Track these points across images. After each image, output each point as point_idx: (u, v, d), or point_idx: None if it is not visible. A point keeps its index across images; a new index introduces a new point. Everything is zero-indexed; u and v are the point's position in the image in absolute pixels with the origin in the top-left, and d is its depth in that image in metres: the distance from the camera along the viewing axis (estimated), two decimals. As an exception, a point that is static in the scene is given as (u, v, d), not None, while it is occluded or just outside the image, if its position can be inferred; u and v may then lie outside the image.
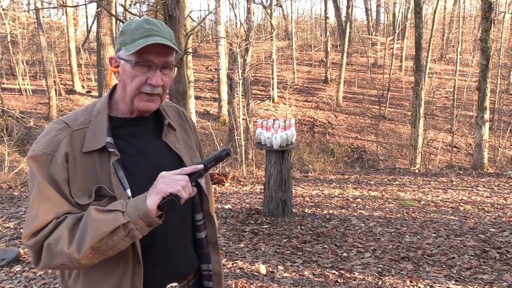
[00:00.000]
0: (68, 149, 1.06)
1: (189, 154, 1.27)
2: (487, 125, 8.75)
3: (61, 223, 1.01)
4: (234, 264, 3.54)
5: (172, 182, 1.00)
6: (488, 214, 4.95)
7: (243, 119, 12.85)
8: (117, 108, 1.18)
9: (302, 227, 4.49)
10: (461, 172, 8.01)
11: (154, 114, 1.25)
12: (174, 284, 1.17)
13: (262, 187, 5.69)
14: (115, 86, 1.20)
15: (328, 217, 4.92)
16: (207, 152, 12.50)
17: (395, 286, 3.10)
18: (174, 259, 1.17)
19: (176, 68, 1.19)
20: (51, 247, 0.98)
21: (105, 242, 0.97)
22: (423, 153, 11.71)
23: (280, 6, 27.38)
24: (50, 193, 1.04)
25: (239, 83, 10.76)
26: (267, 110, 19.76)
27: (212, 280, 1.31)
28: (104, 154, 1.09)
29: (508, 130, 13.25)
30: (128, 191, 1.07)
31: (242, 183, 7.17)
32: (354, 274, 3.30)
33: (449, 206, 5.38)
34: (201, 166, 1.08)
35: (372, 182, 7.12)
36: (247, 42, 12.88)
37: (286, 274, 3.34)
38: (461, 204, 5.45)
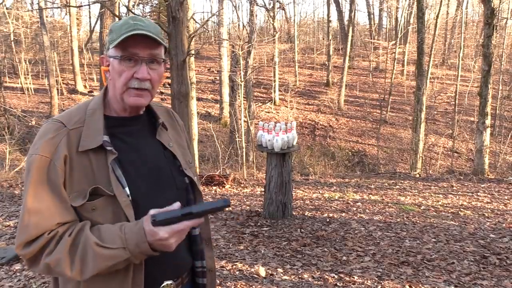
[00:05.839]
0: (66, 151, 1.07)
1: (181, 153, 1.29)
2: (488, 130, 8.75)
3: (53, 240, 1.03)
4: (234, 266, 3.55)
5: (170, 245, 1.02)
6: (488, 220, 4.95)
7: (244, 121, 12.87)
8: (110, 107, 1.19)
9: (302, 230, 4.49)
10: (462, 178, 8.00)
11: (147, 113, 1.27)
12: (169, 281, 1.18)
13: (263, 190, 5.70)
14: (107, 86, 1.21)
15: (328, 220, 4.92)
16: (208, 153, 12.51)
17: (394, 290, 3.10)
18: (170, 257, 1.17)
19: (164, 64, 1.20)
20: (50, 266, 1.03)
21: (107, 269, 1.03)
22: (423, 157, 11.70)
23: (283, 9, 27.44)
24: (43, 202, 1.04)
25: (241, 85, 10.78)
26: (269, 112, 19.78)
27: (206, 276, 1.31)
28: (101, 153, 1.09)
29: (509, 136, 13.25)
30: (127, 189, 1.09)
31: (242, 185, 7.18)
32: (354, 278, 3.30)
33: (449, 211, 5.37)
34: (202, 220, 1.05)
35: (372, 186, 7.12)
36: (250, 44, 12.91)
37: (285, 277, 3.34)
38: (461, 209, 5.45)
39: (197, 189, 1.29)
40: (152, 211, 1.02)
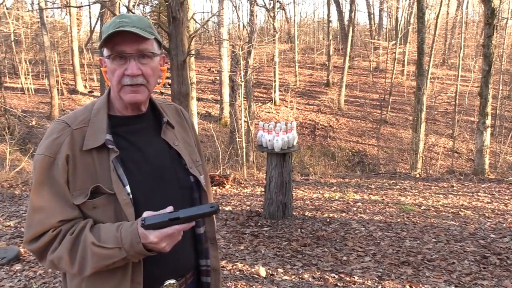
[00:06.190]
0: (69, 151, 1.09)
1: (187, 151, 1.30)
2: (489, 130, 8.75)
3: (57, 238, 1.06)
4: (234, 266, 3.54)
5: (162, 248, 1.03)
6: (489, 220, 4.95)
7: (244, 121, 12.87)
8: (114, 106, 1.21)
9: (302, 230, 4.49)
10: (462, 178, 8.00)
11: (152, 112, 1.28)
12: (172, 281, 1.18)
13: (263, 190, 5.69)
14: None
15: (328, 220, 4.92)
16: (208, 153, 12.51)
17: (394, 290, 3.10)
18: (173, 256, 1.18)
19: (161, 57, 1.22)
20: (54, 263, 1.07)
21: (105, 267, 1.06)
22: (424, 158, 11.70)
23: (283, 9, 27.45)
24: (46, 200, 1.07)
25: (241, 85, 10.77)
26: (269, 112, 19.78)
27: (210, 275, 1.32)
28: (104, 152, 1.11)
29: (510, 136, 13.24)
30: (127, 188, 1.10)
31: (242, 185, 7.17)
32: (354, 278, 3.30)
33: (450, 211, 5.37)
34: (192, 223, 1.05)
35: (372, 186, 7.12)
36: (250, 44, 12.91)
37: (285, 277, 3.34)
38: (462, 209, 5.45)
39: (202, 188, 1.29)
40: (145, 214, 1.03)
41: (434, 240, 4.19)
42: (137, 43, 1.11)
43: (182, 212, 1.02)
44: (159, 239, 1.00)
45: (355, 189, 6.88)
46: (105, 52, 1.13)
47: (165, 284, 1.17)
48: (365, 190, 6.77)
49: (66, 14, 25.26)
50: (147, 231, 1.00)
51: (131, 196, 1.10)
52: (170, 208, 1.05)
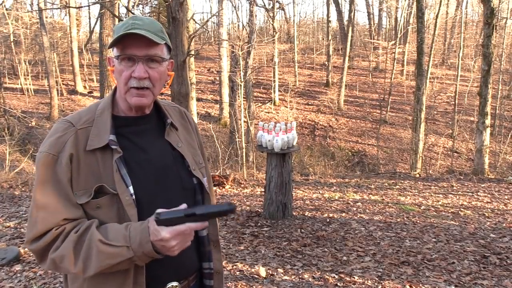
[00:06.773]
0: (73, 150, 1.09)
1: (191, 153, 1.29)
2: (488, 130, 8.75)
3: (61, 236, 1.04)
4: (234, 266, 3.55)
5: (172, 247, 1.02)
6: (489, 220, 4.95)
7: (244, 121, 12.87)
8: (118, 107, 1.20)
9: (302, 230, 4.49)
10: (462, 177, 8.00)
11: (156, 114, 1.28)
12: (175, 283, 1.18)
13: (263, 190, 5.70)
14: (116, 86, 1.22)
15: (328, 220, 4.92)
16: (208, 153, 12.52)
17: (394, 290, 3.10)
18: (175, 258, 1.16)
19: (169, 62, 1.23)
20: (56, 262, 1.04)
21: (109, 268, 1.04)
22: (423, 157, 11.70)
23: (283, 9, 27.46)
24: (50, 198, 1.06)
25: (240, 85, 10.77)
26: (268, 112, 19.78)
27: (213, 278, 1.31)
28: (107, 152, 1.11)
29: (509, 136, 13.24)
30: (131, 188, 1.09)
31: (242, 185, 7.18)
32: (354, 278, 3.31)
33: (450, 211, 5.38)
34: (206, 224, 1.04)
35: (372, 186, 7.12)
36: (249, 44, 12.91)
37: (286, 277, 3.34)
38: (462, 209, 5.45)
39: (205, 190, 1.29)
40: (159, 210, 1.02)
41: (434, 240, 4.19)
42: (147, 47, 1.11)
43: (198, 208, 1.01)
44: (171, 236, 0.99)
45: (355, 189, 6.88)
46: (115, 52, 1.13)
47: (167, 287, 1.17)
48: (365, 190, 6.78)
49: (66, 15, 25.25)
50: (160, 227, 1.00)
51: (134, 196, 1.09)
52: (184, 205, 1.04)
